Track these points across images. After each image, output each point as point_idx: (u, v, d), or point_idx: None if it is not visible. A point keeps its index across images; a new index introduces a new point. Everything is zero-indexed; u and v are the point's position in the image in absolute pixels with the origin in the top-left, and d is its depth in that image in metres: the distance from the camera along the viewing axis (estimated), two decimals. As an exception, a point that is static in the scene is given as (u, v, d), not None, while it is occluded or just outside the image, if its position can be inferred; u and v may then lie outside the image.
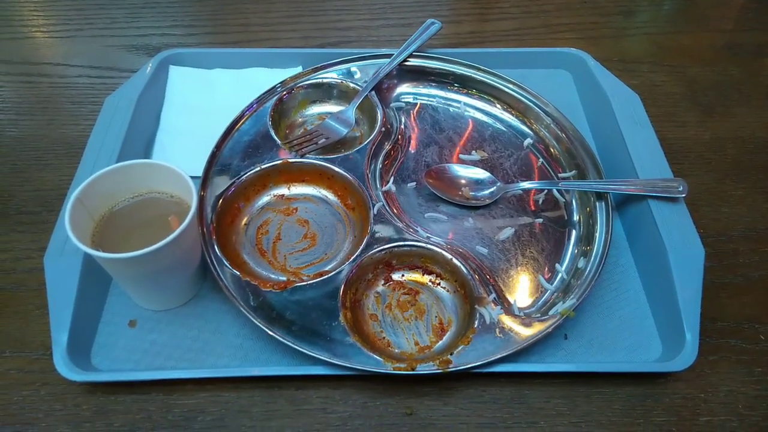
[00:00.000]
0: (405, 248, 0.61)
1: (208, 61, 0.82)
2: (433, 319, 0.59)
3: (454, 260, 0.60)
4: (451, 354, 0.54)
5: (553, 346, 0.58)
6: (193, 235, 0.56)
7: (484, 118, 0.77)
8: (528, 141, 0.74)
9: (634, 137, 0.69)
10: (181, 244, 0.52)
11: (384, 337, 0.57)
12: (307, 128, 0.75)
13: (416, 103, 0.79)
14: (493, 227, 0.66)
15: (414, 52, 0.79)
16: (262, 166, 0.66)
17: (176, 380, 0.54)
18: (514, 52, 0.86)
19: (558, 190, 0.69)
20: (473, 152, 0.73)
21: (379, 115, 0.72)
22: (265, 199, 0.67)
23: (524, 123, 0.76)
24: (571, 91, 0.84)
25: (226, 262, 0.58)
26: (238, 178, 0.64)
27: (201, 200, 0.62)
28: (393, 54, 0.78)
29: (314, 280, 0.58)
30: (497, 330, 0.56)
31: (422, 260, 0.61)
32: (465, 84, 0.79)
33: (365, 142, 0.69)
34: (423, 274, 0.61)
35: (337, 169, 0.66)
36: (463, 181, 0.69)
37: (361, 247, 0.59)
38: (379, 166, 0.69)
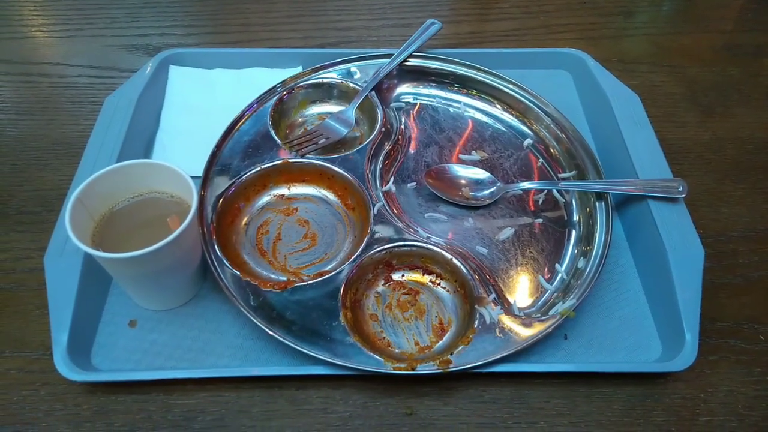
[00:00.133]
0: (405, 248, 0.61)
1: (209, 61, 0.82)
2: (433, 319, 0.59)
3: (454, 260, 0.60)
4: (451, 354, 0.54)
5: (553, 346, 0.58)
6: (194, 235, 0.56)
7: (484, 118, 0.77)
8: (528, 141, 0.74)
9: (633, 137, 0.69)
10: (182, 244, 0.52)
11: (384, 337, 0.57)
12: (307, 128, 0.75)
13: (416, 104, 0.79)
14: (493, 227, 0.66)
15: (414, 52, 0.79)
16: (263, 166, 0.66)
17: (176, 380, 0.54)
18: (513, 53, 0.86)
19: (558, 191, 0.69)
20: (473, 152, 0.73)
21: (379, 115, 0.72)
22: (265, 199, 0.67)
23: (524, 123, 0.76)
24: (571, 92, 0.84)
25: (226, 262, 0.58)
26: (238, 178, 0.64)
27: (201, 200, 0.62)
28: (393, 54, 0.78)
29: (314, 280, 0.58)
30: (497, 330, 0.56)
31: (422, 260, 0.61)
32: (465, 84, 0.79)
33: (365, 142, 0.69)
34: (423, 274, 0.62)
35: (337, 169, 0.66)
36: (463, 182, 0.69)
37: (361, 247, 0.59)
38: (379, 166, 0.69)
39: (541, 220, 0.67)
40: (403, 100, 0.79)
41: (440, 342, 0.57)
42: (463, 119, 0.77)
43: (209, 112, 0.76)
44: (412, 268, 0.62)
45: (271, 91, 0.74)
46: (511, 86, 0.77)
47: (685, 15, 1.04)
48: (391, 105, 0.77)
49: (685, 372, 0.55)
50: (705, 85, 0.88)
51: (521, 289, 0.61)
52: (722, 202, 0.73)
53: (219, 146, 0.67)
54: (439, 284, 0.61)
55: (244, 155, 0.67)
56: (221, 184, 0.64)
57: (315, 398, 0.55)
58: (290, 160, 0.67)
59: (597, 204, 0.65)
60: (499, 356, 0.53)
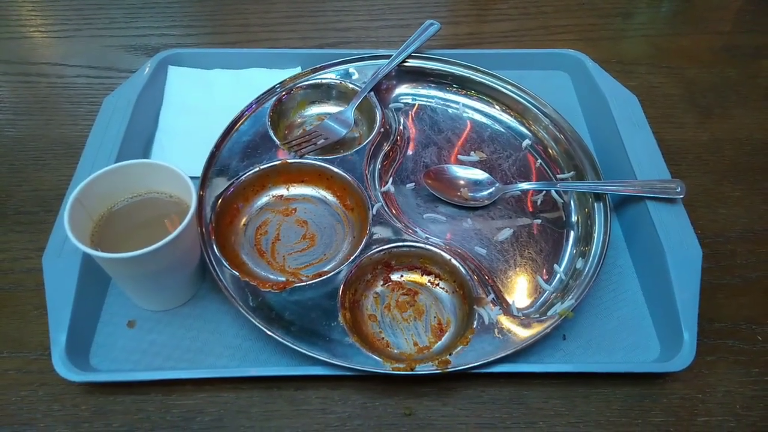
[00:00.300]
0: (404, 249, 0.61)
1: (207, 62, 0.82)
2: (432, 320, 0.59)
3: (453, 261, 0.60)
4: (450, 354, 0.54)
5: (552, 346, 0.58)
6: (192, 236, 0.56)
7: (483, 119, 0.78)
8: (526, 142, 0.74)
9: (632, 138, 0.69)
10: (180, 244, 0.52)
11: (383, 338, 0.57)
12: (306, 129, 0.75)
13: (415, 104, 0.79)
14: (491, 228, 0.66)
15: (413, 53, 0.79)
16: (261, 167, 0.66)
17: (175, 380, 0.54)
18: (512, 54, 0.86)
19: (556, 191, 0.69)
20: (472, 153, 0.73)
21: (378, 115, 0.72)
22: (264, 199, 0.67)
23: (523, 124, 0.76)
24: (570, 93, 0.84)
25: (225, 263, 0.58)
26: (237, 179, 0.64)
27: (200, 200, 0.62)
28: (392, 55, 0.78)
29: (313, 281, 0.58)
30: (496, 330, 0.56)
31: (421, 261, 0.61)
32: (464, 85, 0.79)
33: (364, 143, 0.69)
34: (422, 275, 0.62)
35: (336, 169, 0.66)
36: (461, 182, 0.69)
37: (360, 248, 0.59)
38: (378, 166, 0.69)
39: (539, 221, 0.67)
40: (401, 101, 0.79)
41: (439, 342, 0.57)
42: (462, 120, 0.77)
43: (208, 112, 0.76)
44: (411, 268, 0.62)
45: (270, 91, 0.74)
46: (509, 87, 0.77)
47: (683, 16, 1.04)
48: (390, 106, 0.77)
49: (684, 372, 0.55)
50: (703, 86, 0.89)
51: (520, 290, 0.61)
52: (720, 203, 0.73)
53: (218, 146, 0.67)
54: (437, 285, 0.61)
55: (243, 156, 0.67)
56: (220, 184, 0.64)
57: (314, 398, 0.55)
58: (289, 161, 0.67)
59: (595, 205, 0.66)
60: (498, 357, 0.53)
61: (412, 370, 0.53)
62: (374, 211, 0.63)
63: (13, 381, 0.55)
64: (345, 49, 0.91)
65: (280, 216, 0.66)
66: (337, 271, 0.58)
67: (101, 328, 0.57)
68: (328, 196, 0.68)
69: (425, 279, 0.61)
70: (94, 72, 0.86)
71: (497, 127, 0.77)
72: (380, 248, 0.60)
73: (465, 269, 0.59)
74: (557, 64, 0.86)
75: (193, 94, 0.78)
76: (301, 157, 0.67)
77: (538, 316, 0.58)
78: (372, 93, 0.74)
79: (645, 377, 0.57)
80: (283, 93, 0.74)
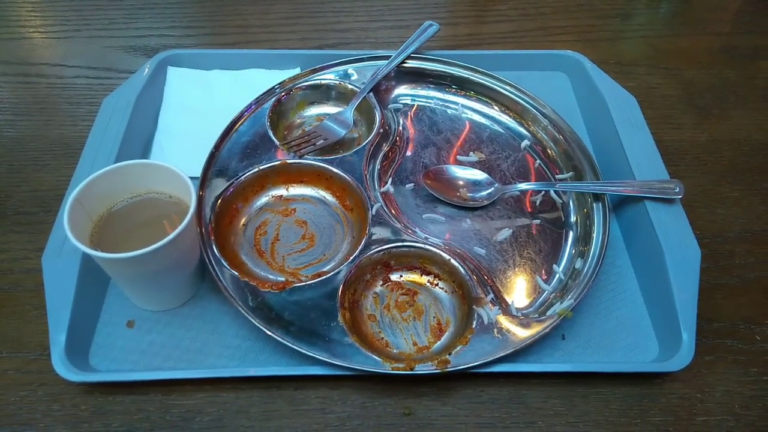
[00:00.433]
0: (403, 249, 0.61)
1: (207, 62, 0.82)
2: (432, 320, 0.59)
3: (452, 261, 0.60)
4: (449, 354, 0.54)
5: (551, 346, 0.58)
6: (192, 236, 0.56)
7: (482, 119, 0.78)
8: (525, 142, 0.75)
9: (630, 139, 0.70)
10: (180, 244, 0.52)
11: (382, 338, 0.57)
12: (305, 129, 0.75)
13: (414, 105, 0.79)
14: (490, 228, 0.66)
15: (412, 53, 0.79)
16: (261, 167, 0.66)
17: (175, 380, 0.54)
18: (511, 55, 0.86)
19: (555, 192, 0.69)
20: (471, 153, 0.73)
21: (377, 116, 0.72)
22: (263, 199, 0.67)
23: (521, 125, 0.77)
24: (568, 94, 0.84)
25: (224, 263, 0.58)
26: (236, 179, 0.64)
27: (199, 201, 0.62)
28: (391, 56, 0.78)
29: (313, 281, 0.58)
30: (495, 330, 0.56)
31: (420, 261, 0.61)
32: (463, 86, 0.80)
33: (363, 144, 0.69)
34: (421, 275, 0.62)
35: (335, 170, 0.66)
36: (461, 183, 0.69)
37: (359, 248, 0.60)
38: (378, 167, 0.69)
39: (538, 221, 0.67)
40: (401, 102, 0.79)
41: (438, 342, 0.57)
42: (461, 121, 0.77)
43: (207, 113, 0.76)
44: (411, 268, 0.62)
45: (270, 92, 0.74)
46: (508, 88, 0.77)
47: (682, 17, 1.04)
48: (389, 106, 0.77)
49: (682, 372, 0.55)
50: (702, 87, 0.89)
51: (519, 290, 0.61)
52: (719, 204, 0.73)
53: (217, 147, 0.67)
54: (437, 285, 0.61)
55: (243, 156, 0.67)
56: (219, 184, 0.64)
57: (313, 398, 0.55)
58: (288, 161, 0.67)
59: (594, 205, 0.66)
60: (497, 356, 0.54)
61: (411, 369, 0.53)
62: (373, 212, 0.63)
63: (12, 381, 0.55)
64: (344, 50, 0.91)
65: (280, 216, 0.66)
66: (336, 271, 0.58)
67: (101, 328, 0.57)
68: (328, 197, 0.68)
69: (424, 279, 0.62)
70: (93, 73, 0.86)
71: (496, 127, 0.77)
72: (379, 248, 0.60)
73: (464, 269, 0.59)
74: (556, 65, 0.86)
75: (192, 95, 0.78)
76: (300, 157, 0.67)
77: (537, 316, 0.58)
78: (371, 94, 0.74)
79: (644, 377, 0.57)
80: (283, 94, 0.74)
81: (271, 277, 0.60)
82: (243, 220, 0.65)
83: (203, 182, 0.64)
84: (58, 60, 0.88)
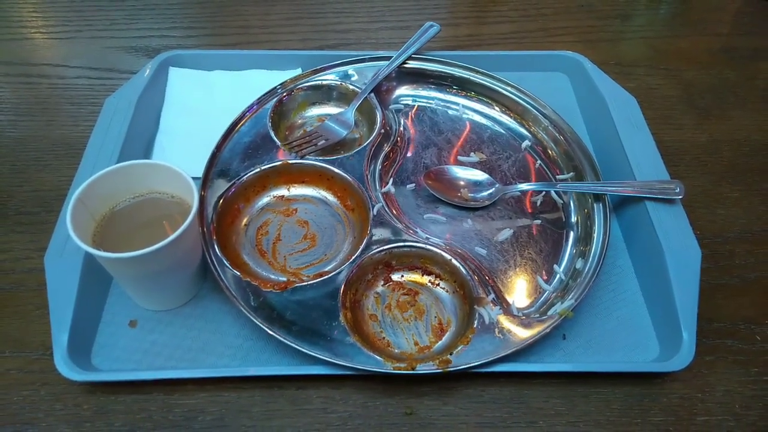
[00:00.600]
0: (404, 249, 0.61)
1: (208, 63, 0.82)
2: (433, 320, 0.59)
3: (453, 261, 0.60)
4: (450, 354, 0.54)
5: (552, 346, 0.58)
6: (194, 236, 0.57)
7: (483, 120, 0.78)
8: (526, 143, 0.75)
9: (631, 139, 0.70)
10: (182, 244, 0.52)
11: (384, 338, 0.58)
12: (306, 130, 0.75)
13: (415, 105, 0.79)
14: (491, 228, 0.66)
15: (413, 54, 0.79)
16: (262, 167, 0.66)
17: (177, 380, 0.54)
18: (512, 55, 0.87)
19: (556, 192, 0.69)
20: (472, 154, 0.73)
21: (378, 116, 0.72)
22: (264, 200, 0.67)
23: (522, 125, 0.77)
24: (569, 94, 0.84)
25: (226, 263, 0.58)
26: (238, 179, 0.65)
27: (201, 201, 0.62)
28: (392, 56, 0.78)
29: (314, 281, 0.58)
30: (496, 330, 0.56)
31: (421, 261, 0.62)
32: (463, 86, 0.80)
33: (364, 144, 0.69)
34: (422, 275, 0.62)
35: (336, 170, 0.66)
36: (461, 183, 0.69)
37: (360, 248, 0.60)
38: (379, 167, 0.70)
39: (539, 222, 0.67)
40: (402, 102, 0.79)
41: (440, 342, 0.57)
42: (462, 121, 0.77)
43: (209, 113, 0.77)
44: (412, 268, 0.62)
45: (271, 92, 0.74)
46: (509, 88, 0.77)
47: (681, 18, 1.04)
48: (390, 107, 0.78)
49: (683, 372, 0.55)
50: (701, 87, 0.89)
51: (520, 290, 0.62)
52: (719, 204, 0.73)
53: (219, 147, 0.67)
54: (438, 285, 0.61)
55: (244, 156, 0.67)
56: (221, 184, 0.64)
57: (315, 398, 0.55)
58: (290, 162, 0.67)
59: (595, 205, 0.66)
60: (498, 356, 0.54)
61: (413, 369, 0.53)
62: (375, 212, 0.63)
63: (14, 381, 0.55)
64: (345, 50, 0.92)
65: (281, 216, 0.66)
66: (338, 271, 0.58)
67: (103, 327, 0.58)
68: (329, 197, 0.68)
69: (426, 279, 0.62)
70: (95, 73, 0.87)
71: (497, 128, 0.77)
72: (381, 248, 0.60)
73: (465, 269, 0.59)
74: (556, 65, 0.86)
75: (194, 96, 0.79)
76: (301, 157, 0.68)
77: (538, 315, 0.58)
78: (372, 94, 0.75)
79: (644, 377, 0.57)
80: (284, 94, 0.74)
81: (272, 277, 0.61)
82: (245, 220, 0.65)
83: (205, 182, 0.64)
84: (59, 60, 0.89)
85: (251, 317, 0.54)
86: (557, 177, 0.71)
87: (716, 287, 0.65)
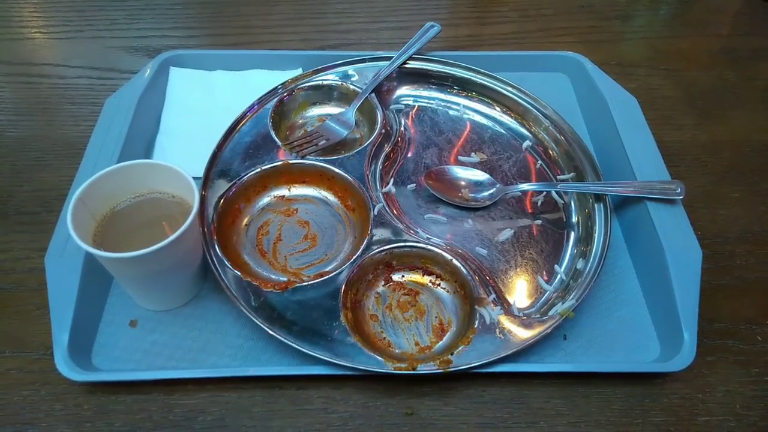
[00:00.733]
0: (405, 249, 0.61)
1: (209, 63, 0.82)
2: (434, 320, 0.59)
3: (454, 261, 0.60)
4: (451, 354, 0.54)
5: (553, 346, 0.58)
6: (195, 236, 0.57)
7: (483, 120, 0.78)
8: (527, 143, 0.75)
9: (631, 140, 0.70)
10: (183, 244, 0.52)
11: (384, 338, 0.58)
12: (307, 130, 0.75)
13: (415, 106, 0.79)
14: (492, 228, 0.66)
15: (413, 54, 0.79)
16: (263, 167, 0.66)
17: (177, 380, 0.54)
18: (512, 56, 0.87)
19: (557, 192, 0.69)
20: (472, 154, 0.73)
21: (379, 117, 0.72)
22: (265, 200, 0.67)
23: (523, 125, 0.77)
24: (569, 94, 0.84)
25: (227, 263, 0.58)
26: (238, 179, 0.65)
27: (202, 200, 0.62)
28: (392, 57, 0.79)
29: (315, 281, 0.58)
30: (497, 330, 0.56)
31: (422, 261, 0.62)
32: (464, 87, 0.80)
33: (365, 144, 0.69)
34: (423, 275, 0.62)
35: (337, 170, 0.66)
36: (462, 183, 0.69)
37: (361, 248, 0.60)
38: (379, 167, 0.70)
39: (540, 222, 0.67)
40: (402, 102, 0.79)
41: (440, 342, 0.57)
42: (462, 121, 0.77)
43: (209, 113, 0.77)
44: (412, 268, 0.62)
45: (272, 92, 0.74)
46: (509, 89, 0.78)
47: (682, 19, 1.05)
48: (391, 107, 0.78)
49: (684, 372, 0.55)
50: (702, 88, 0.89)
51: (521, 290, 0.62)
52: (719, 204, 0.73)
53: (220, 147, 0.67)
54: (439, 285, 0.61)
55: (245, 156, 0.67)
56: (222, 184, 0.64)
57: (316, 398, 0.55)
58: (290, 162, 0.67)
59: (595, 205, 0.66)
60: (499, 356, 0.54)
61: (413, 369, 0.53)
62: (375, 212, 0.63)
63: (15, 380, 0.55)
64: (346, 50, 0.92)
65: (282, 216, 0.66)
66: (338, 271, 0.58)
67: (103, 327, 0.57)
68: (330, 197, 0.68)
69: (426, 279, 0.62)
70: (95, 73, 0.87)
71: (497, 128, 0.77)
72: (381, 248, 0.60)
73: (466, 269, 0.59)
74: (557, 66, 0.86)
75: (194, 96, 0.79)
76: (302, 157, 0.68)
77: (539, 316, 0.58)
78: (373, 94, 0.75)
79: (645, 377, 0.57)
80: (285, 94, 0.74)
81: (273, 277, 0.61)
82: (245, 220, 0.65)
83: (206, 182, 0.64)
84: (60, 60, 0.89)
85: (252, 317, 0.54)
86: (558, 177, 0.71)
87: (717, 287, 0.64)
